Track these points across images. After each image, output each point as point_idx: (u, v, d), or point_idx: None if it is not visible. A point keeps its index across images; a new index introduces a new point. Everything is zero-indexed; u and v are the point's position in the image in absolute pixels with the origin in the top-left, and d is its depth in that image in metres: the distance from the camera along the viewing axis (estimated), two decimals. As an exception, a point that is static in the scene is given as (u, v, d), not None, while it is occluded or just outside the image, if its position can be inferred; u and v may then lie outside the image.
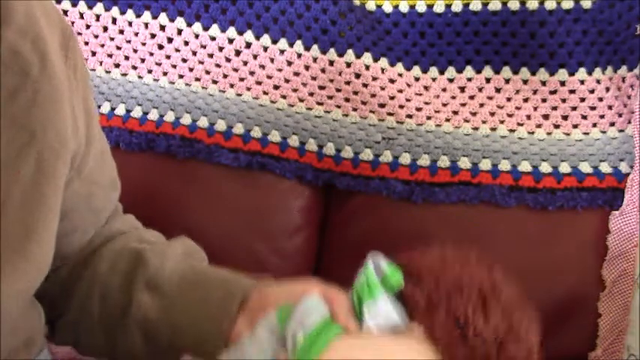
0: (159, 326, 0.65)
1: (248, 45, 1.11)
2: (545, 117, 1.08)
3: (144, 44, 1.13)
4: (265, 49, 1.10)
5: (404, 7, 1.09)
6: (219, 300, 0.65)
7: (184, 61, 1.12)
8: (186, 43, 1.12)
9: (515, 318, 0.58)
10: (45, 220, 0.57)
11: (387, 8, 1.09)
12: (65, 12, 1.13)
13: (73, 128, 0.60)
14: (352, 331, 0.57)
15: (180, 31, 1.12)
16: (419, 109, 1.08)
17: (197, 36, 1.12)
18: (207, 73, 1.11)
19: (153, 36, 1.13)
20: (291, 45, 1.10)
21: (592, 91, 1.07)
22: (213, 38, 1.11)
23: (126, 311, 0.67)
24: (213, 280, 0.68)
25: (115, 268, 0.69)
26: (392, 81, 1.09)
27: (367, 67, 1.09)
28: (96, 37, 1.14)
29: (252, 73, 1.10)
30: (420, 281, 0.59)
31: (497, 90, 1.09)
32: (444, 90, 1.09)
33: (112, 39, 1.14)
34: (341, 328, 0.57)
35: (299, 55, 1.10)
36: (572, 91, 1.07)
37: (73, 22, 1.13)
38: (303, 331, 0.56)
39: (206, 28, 1.11)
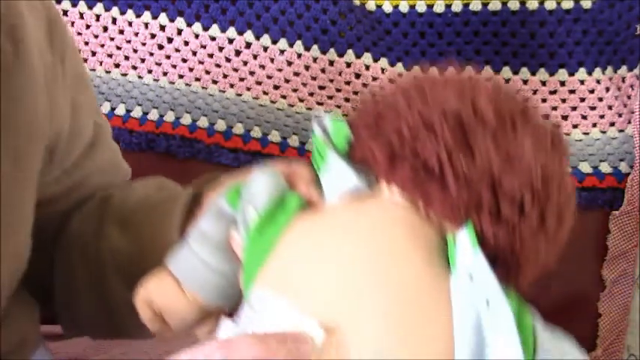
0: (130, 259, 0.64)
1: (248, 45, 1.11)
2: (545, 117, 1.08)
3: (144, 44, 1.13)
4: (265, 49, 1.10)
5: (404, 7, 1.09)
6: (167, 213, 0.63)
7: (184, 61, 1.12)
8: (186, 43, 1.12)
9: (517, 141, 0.43)
10: (21, 215, 0.56)
11: (387, 8, 1.09)
12: (65, 12, 1.12)
13: (50, 118, 0.59)
14: (315, 203, 0.47)
15: (180, 31, 1.12)
16: (419, 109, 1.08)
17: (197, 36, 1.11)
18: (207, 73, 1.11)
19: (153, 36, 1.13)
20: (291, 45, 1.10)
21: (592, 91, 1.07)
22: (213, 38, 1.11)
23: (99, 248, 0.65)
24: (161, 199, 0.66)
25: (87, 216, 0.68)
26: (392, 81, 1.09)
27: (367, 67, 1.09)
28: (96, 37, 1.14)
29: (252, 73, 1.10)
30: (379, 131, 0.45)
31: (497, 90, 1.09)
32: (444, 90, 1.09)
33: (112, 39, 1.14)
34: (301, 200, 0.46)
35: (299, 55, 1.10)
36: (572, 91, 1.07)
37: (73, 22, 1.13)
38: (256, 206, 0.46)
39: (206, 28, 1.11)
